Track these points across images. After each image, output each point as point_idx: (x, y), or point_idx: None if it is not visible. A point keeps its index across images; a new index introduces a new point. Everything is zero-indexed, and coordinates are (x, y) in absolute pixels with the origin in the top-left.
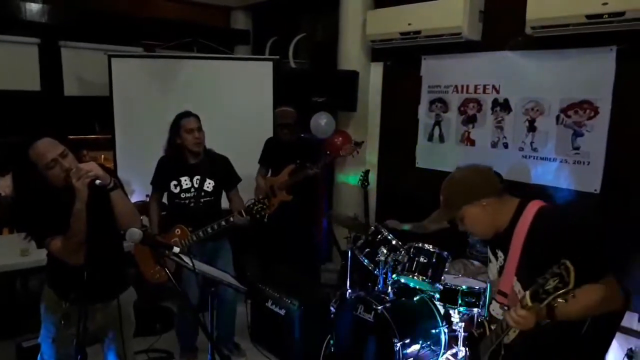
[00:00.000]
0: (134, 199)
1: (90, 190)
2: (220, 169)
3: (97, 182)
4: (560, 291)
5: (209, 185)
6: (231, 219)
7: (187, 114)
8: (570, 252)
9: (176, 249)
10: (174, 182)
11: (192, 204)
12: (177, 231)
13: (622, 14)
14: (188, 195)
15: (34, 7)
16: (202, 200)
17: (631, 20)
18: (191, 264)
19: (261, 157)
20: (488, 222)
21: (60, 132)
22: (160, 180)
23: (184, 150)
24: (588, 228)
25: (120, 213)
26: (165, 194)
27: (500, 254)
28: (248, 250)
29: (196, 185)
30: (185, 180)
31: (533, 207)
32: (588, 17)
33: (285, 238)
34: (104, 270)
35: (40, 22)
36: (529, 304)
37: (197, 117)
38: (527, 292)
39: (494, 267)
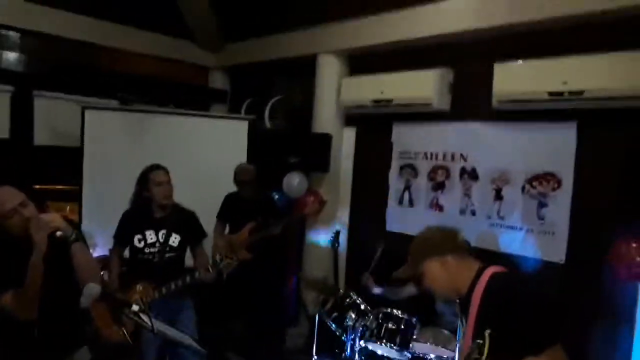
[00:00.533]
0: (96, 253)
1: (49, 242)
2: (187, 224)
3: (58, 233)
4: None
5: (174, 240)
6: (197, 274)
7: (156, 167)
8: (512, 320)
9: (135, 307)
10: (139, 236)
11: (156, 259)
12: (139, 287)
13: (581, 92)
14: (152, 250)
15: (11, 55)
16: (166, 255)
17: (589, 99)
18: (150, 324)
19: (220, 212)
20: (446, 280)
21: (26, 181)
22: (124, 234)
23: (150, 203)
24: (537, 296)
25: (80, 266)
26: (128, 249)
27: (464, 318)
28: (211, 310)
29: (161, 240)
30: (150, 235)
31: (488, 272)
32: (550, 94)
33: (247, 298)
34: (57, 326)
35: (16, 71)
36: None
37: (166, 170)
38: None
39: (461, 333)
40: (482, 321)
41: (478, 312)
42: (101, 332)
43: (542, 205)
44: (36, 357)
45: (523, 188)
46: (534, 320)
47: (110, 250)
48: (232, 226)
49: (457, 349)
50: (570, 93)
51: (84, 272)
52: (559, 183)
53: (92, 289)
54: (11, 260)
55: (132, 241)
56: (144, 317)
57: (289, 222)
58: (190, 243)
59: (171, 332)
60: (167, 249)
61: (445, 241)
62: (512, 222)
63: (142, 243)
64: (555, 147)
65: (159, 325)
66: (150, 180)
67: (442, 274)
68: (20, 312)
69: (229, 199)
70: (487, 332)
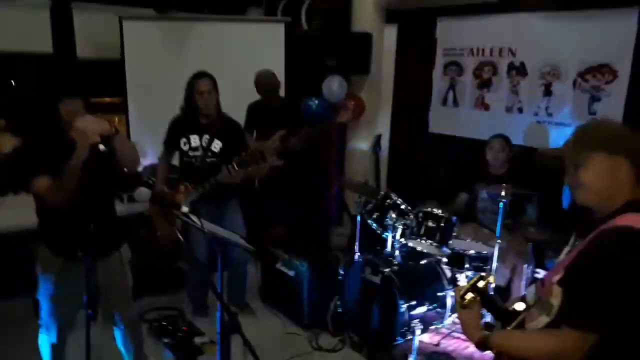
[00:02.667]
0: (146, 161)
1: (92, 150)
2: (230, 133)
3: (101, 147)
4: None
5: (216, 146)
6: (222, 172)
7: (200, 75)
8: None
9: (185, 208)
10: (184, 140)
11: (198, 163)
12: (182, 187)
13: None
14: (196, 153)
15: None
16: (207, 160)
17: None
18: (200, 224)
19: (245, 123)
20: (606, 186)
21: (77, 94)
22: (171, 139)
23: (197, 110)
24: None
25: (123, 152)
26: (178, 156)
27: (573, 240)
28: (257, 215)
29: (204, 145)
30: (194, 139)
31: (619, 220)
32: None
33: (288, 202)
34: (105, 225)
35: None
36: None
37: (211, 78)
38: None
39: (566, 250)
40: (573, 270)
41: (576, 258)
42: (157, 232)
43: (594, 99)
44: (92, 252)
45: (574, 82)
46: (592, 291)
47: (159, 156)
48: (259, 136)
49: (496, 246)
50: None
51: (125, 158)
52: (615, 75)
53: (142, 193)
54: (53, 153)
55: (179, 145)
56: (193, 217)
57: (326, 127)
58: (231, 152)
59: (219, 231)
60: (209, 153)
61: (629, 140)
62: (561, 118)
63: (187, 146)
64: (612, 36)
65: (208, 225)
66: (194, 88)
67: (606, 177)
68: (50, 199)
69: (254, 109)
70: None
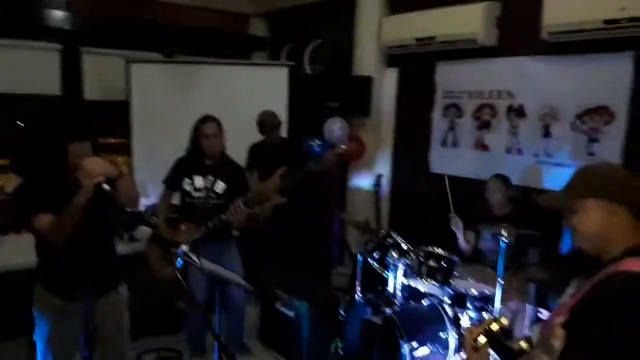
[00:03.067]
0: (148, 201)
1: (95, 189)
2: (233, 175)
3: (105, 187)
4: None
5: (219, 187)
6: (227, 213)
7: (207, 119)
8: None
9: (185, 247)
10: (188, 180)
11: (201, 204)
12: (183, 227)
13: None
14: (199, 194)
15: (58, 14)
16: (211, 201)
17: None
18: (199, 262)
19: (247, 162)
20: (598, 233)
21: (85, 135)
22: (174, 178)
23: (202, 152)
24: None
25: (126, 193)
26: (179, 196)
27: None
28: (256, 254)
29: (208, 185)
30: (198, 180)
31: (622, 265)
32: (606, 22)
33: (289, 241)
34: (103, 264)
35: (63, 29)
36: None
37: (217, 122)
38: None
39: (569, 291)
40: (576, 315)
41: (579, 301)
42: (155, 271)
43: (592, 140)
44: (89, 292)
45: (573, 124)
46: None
47: (160, 195)
48: (261, 175)
49: (498, 285)
50: (629, 20)
51: (126, 197)
52: (612, 117)
53: (142, 232)
54: (56, 191)
55: (181, 185)
56: (193, 256)
57: (326, 161)
58: (234, 194)
59: (218, 270)
60: (213, 195)
61: (623, 188)
62: (561, 159)
63: (191, 187)
64: (609, 79)
65: (207, 264)
66: (200, 131)
67: (596, 223)
68: (51, 236)
69: (255, 148)
70: (561, 333)
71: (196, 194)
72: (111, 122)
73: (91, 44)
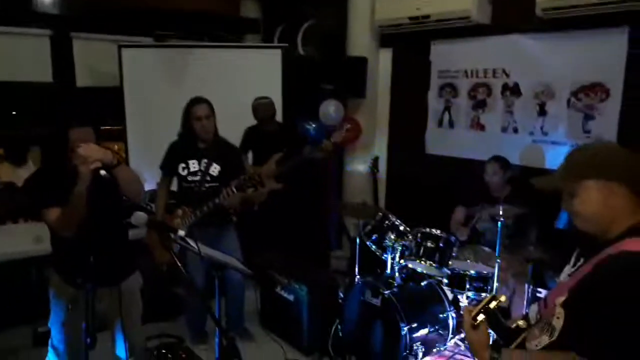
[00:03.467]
0: (146, 187)
1: (93, 178)
2: (228, 157)
3: (102, 172)
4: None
5: (214, 169)
6: (221, 197)
7: (197, 101)
8: (595, 316)
9: (181, 232)
10: (182, 165)
11: (197, 187)
12: (179, 212)
13: None
14: (195, 178)
15: None
16: (206, 185)
17: None
18: (197, 248)
19: (241, 146)
20: (601, 214)
21: (85, 123)
22: (169, 164)
23: (195, 135)
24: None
25: (125, 184)
26: (175, 181)
27: (579, 262)
28: (254, 239)
29: (202, 169)
30: (193, 164)
31: (624, 245)
32: None
33: (287, 226)
34: (108, 254)
35: (52, 14)
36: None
37: (207, 103)
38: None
39: (567, 269)
40: (577, 294)
41: (582, 281)
42: (154, 257)
43: (588, 117)
44: (94, 283)
45: (568, 101)
46: (609, 330)
47: (158, 182)
48: (257, 160)
49: (496, 265)
50: None
51: (128, 190)
52: (607, 93)
53: (139, 217)
54: (59, 182)
55: (177, 170)
56: (190, 242)
57: (322, 150)
58: (230, 176)
59: (217, 254)
60: (208, 178)
61: (624, 165)
62: (557, 137)
63: (186, 171)
64: (604, 55)
65: (205, 249)
66: (191, 114)
67: (599, 204)
68: (60, 229)
69: (251, 133)
70: (561, 312)
71: (191, 178)
72: (105, 109)
73: (81, 29)
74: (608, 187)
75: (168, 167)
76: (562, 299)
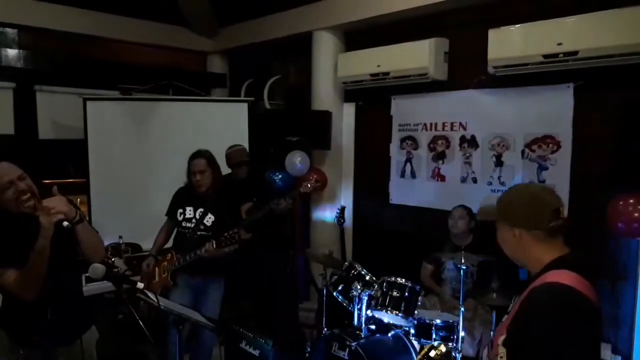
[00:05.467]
0: (107, 241)
1: (56, 229)
2: (225, 209)
3: (65, 223)
4: None
5: (209, 219)
6: (203, 249)
7: (195, 155)
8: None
9: (140, 285)
10: (180, 210)
11: (188, 235)
12: (168, 255)
13: (575, 52)
14: (188, 225)
15: (10, 52)
16: (198, 232)
17: (585, 59)
18: (156, 301)
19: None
20: (515, 251)
21: (34, 175)
22: (171, 209)
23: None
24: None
25: (86, 244)
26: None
27: (513, 301)
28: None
29: (197, 217)
30: (189, 211)
31: (541, 280)
32: (545, 56)
33: (254, 277)
34: (66, 309)
35: (16, 67)
36: None
37: (205, 157)
38: None
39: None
40: (513, 330)
41: (514, 318)
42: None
43: (542, 168)
44: (48, 339)
45: (523, 152)
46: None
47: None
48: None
49: (460, 314)
50: (565, 54)
51: (90, 248)
52: (558, 145)
53: (96, 269)
54: (14, 238)
55: (176, 215)
56: (150, 294)
57: (289, 198)
58: (223, 228)
59: (177, 308)
60: (201, 227)
61: (526, 211)
62: None
63: (182, 217)
64: (553, 109)
65: (166, 302)
66: (189, 167)
67: (512, 243)
68: (22, 293)
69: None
70: (503, 351)
71: (185, 224)
72: (67, 161)
73: (45, 82)
74: (514, 231)
75: (169, 211)
76: (502, 338)
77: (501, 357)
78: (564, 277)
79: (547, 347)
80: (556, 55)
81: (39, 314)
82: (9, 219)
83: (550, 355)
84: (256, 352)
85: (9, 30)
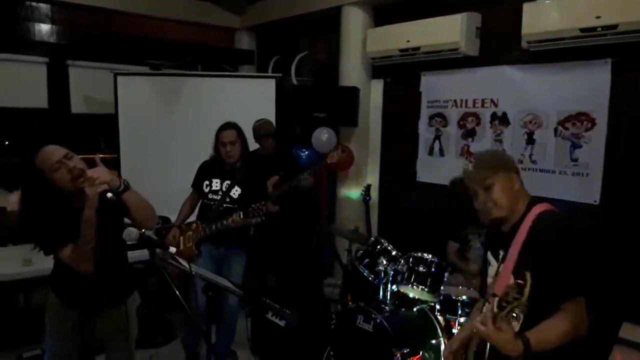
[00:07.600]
0: None
1: (101, 200)
2: (251, 182)
3: (109, 195)
4: (515, 303)
5: (235, 192)
6: (230, 219)
7: (224, 127)
8: (554, 261)
9: (172, 249)
10: (206, 182)
11: (214, 207)
12: (193, 225)
13: (615, 26)
14: (215, 197)
15: (44, 27)
16: (224, 205)
17: (624, 33)
18: (188, 266)
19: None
20: (512, 199)
21: (68, 148)
22: (197, 181)
23: (221, 158)
24: (584, 243)
25: (136, 211)
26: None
27: (502, 253)
28: (250, 262)
29: (224, 189)
30: (216, 183)
31: (538, 208)
32: (582, 30)
33: (279, 251)
34: (111, 276)
35: (49, 42)
36: (495, 310)
37: (234, 129)
38: (496, 299)
39: (492, 270)
40: (524, 257)
41: (523, 247)
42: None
43: (575, 146)
44: (97, 306)
45: (555, 130)
46: (574, 265)
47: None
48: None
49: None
50: (604, 28)
51: (140, 217)
52: (593, 123)
53: (130, 233)
54: (65, 215)
55: (202, 186)
56: (181, 261)
57: (316, 172)
58: (249, 200)
59: (208, 274)
60: (227, 199)
61: (510, 160)
62: (545, 165)
63: (208, 189)
64: (589, 86)
65: (196, 268)
66: (218, 139)
67: (510, 191)
68: (78, 267)
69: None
70: (528, 274)
71: (211, 196)
72: (99, 137)
73: (77, 57)
74: (510, 177)
75: (195, 183)
76: (512, 267)
77: (521, 282)
78: (551, 207)
79: (582, 248)
80: (594, 29)
81: (88, 279)
82: (60, 197)
83: (586, 253)
84: (282, 323)
85: (42, 5)
